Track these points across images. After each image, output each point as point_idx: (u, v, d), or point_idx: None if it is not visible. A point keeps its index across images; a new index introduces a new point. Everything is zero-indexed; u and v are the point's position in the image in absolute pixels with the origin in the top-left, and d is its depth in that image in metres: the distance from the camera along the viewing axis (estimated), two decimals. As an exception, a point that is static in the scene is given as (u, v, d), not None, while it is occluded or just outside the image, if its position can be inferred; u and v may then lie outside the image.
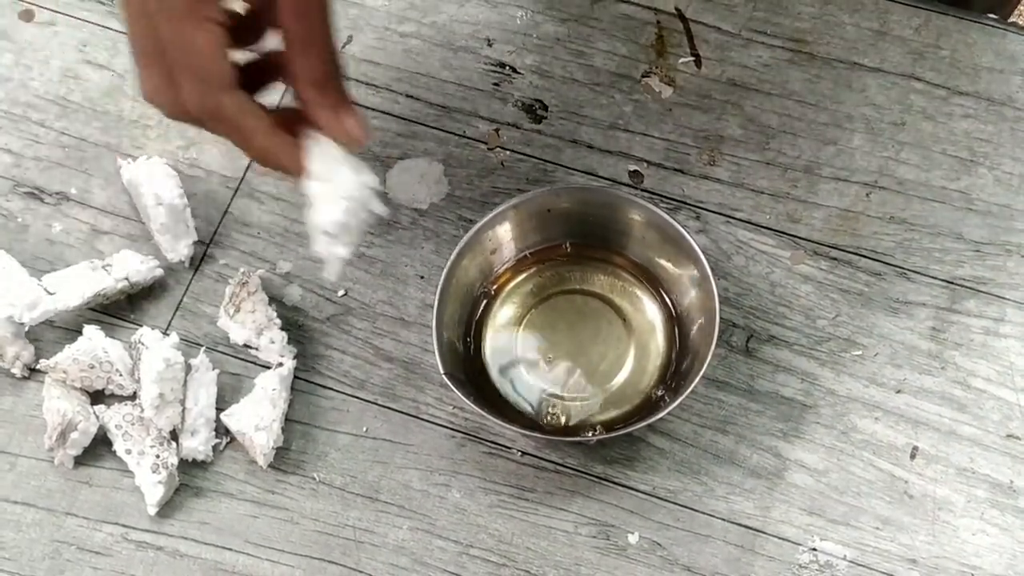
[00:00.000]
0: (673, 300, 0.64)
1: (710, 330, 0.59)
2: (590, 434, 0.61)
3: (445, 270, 0.60)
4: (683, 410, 0.63)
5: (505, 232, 0.64)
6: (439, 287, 0.60)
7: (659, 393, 0.62)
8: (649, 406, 0.62)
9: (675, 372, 0.63)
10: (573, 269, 0.65)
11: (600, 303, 0.64)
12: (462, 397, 0.58)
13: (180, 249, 0.65)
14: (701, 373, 0.58)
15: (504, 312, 0.64)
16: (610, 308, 0.64)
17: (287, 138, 0.52)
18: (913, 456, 0.62)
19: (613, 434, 0.61)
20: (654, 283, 0.64)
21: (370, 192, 0.52)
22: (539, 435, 0.62)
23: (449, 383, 0.58)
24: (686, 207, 0.67)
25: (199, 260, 0.66)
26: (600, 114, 0.69)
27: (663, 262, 0.63)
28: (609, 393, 0.62)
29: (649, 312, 0.64)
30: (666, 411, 0.58)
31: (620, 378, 0.63)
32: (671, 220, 0.61)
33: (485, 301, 0.64)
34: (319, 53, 0.51)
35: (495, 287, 0.65)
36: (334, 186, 0.51)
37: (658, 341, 0.64)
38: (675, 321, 0.64)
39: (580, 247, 0.65)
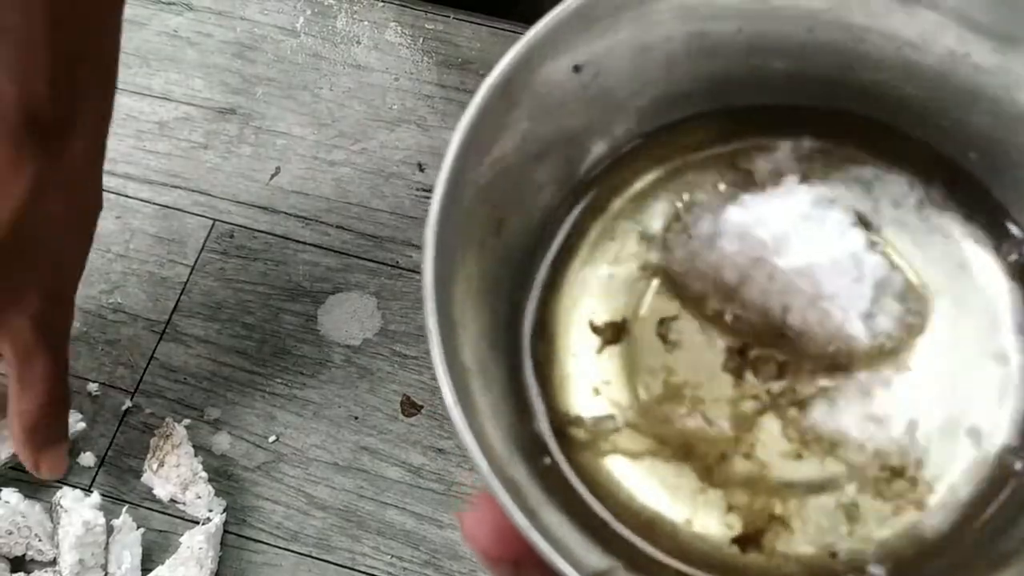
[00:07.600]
0: None
1: None
2: None
3: (436, 206, 0.27)
4: None
5: (619, 67, 0.28)
6: (428, 249, 0.27)
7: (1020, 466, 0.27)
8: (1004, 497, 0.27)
9: None
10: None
11: None
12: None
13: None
14: None
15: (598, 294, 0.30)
16: None
17: None
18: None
19: None
20: (990, 207, 0.29)
21: None
22: None
23: None
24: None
25: (123, 411, 0.63)
26: (537, 237, 0.67)
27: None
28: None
29: (976, 271, 0.29)
30: None
31: (919, 421, 0.29)
32: None
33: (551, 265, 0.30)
34: (34, 397, 0.56)
35: (576, 230, 0.30)
36: None
37: (999, 337, 0.29)
38: None
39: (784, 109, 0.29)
